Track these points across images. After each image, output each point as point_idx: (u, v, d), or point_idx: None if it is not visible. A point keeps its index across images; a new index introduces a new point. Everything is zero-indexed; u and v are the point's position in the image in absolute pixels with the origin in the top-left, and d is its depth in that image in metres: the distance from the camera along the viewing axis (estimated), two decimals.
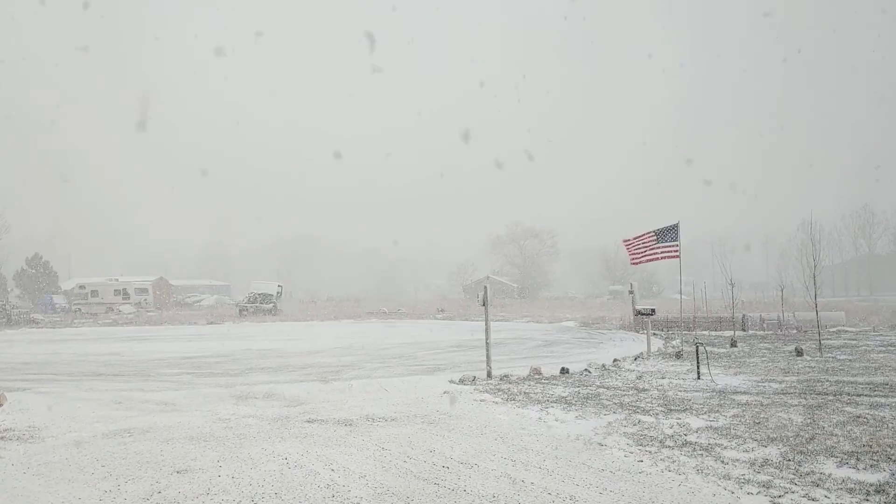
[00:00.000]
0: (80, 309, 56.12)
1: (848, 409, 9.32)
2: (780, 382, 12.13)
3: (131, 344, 25.39)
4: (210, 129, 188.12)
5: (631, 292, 21.94)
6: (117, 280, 63.65)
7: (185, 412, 9.89)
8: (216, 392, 11.81)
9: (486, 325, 13.98)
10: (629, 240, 21.01)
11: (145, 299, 60.64)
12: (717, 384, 12.05)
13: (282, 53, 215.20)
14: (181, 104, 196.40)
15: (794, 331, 25.14)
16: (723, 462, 6.73)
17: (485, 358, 13.55)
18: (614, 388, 11.91)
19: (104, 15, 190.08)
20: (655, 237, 19.70)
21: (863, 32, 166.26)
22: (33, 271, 66.29)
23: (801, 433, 7.86)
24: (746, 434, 7.92)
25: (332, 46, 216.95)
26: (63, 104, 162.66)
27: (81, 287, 61.39)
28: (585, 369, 14.28)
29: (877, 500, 5.58)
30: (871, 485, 5.91)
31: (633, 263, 21.44)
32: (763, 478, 6.17)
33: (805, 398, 10.28)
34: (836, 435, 7.75)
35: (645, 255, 20.21)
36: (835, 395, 10.44)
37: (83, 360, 18.85)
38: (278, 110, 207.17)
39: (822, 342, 18.12)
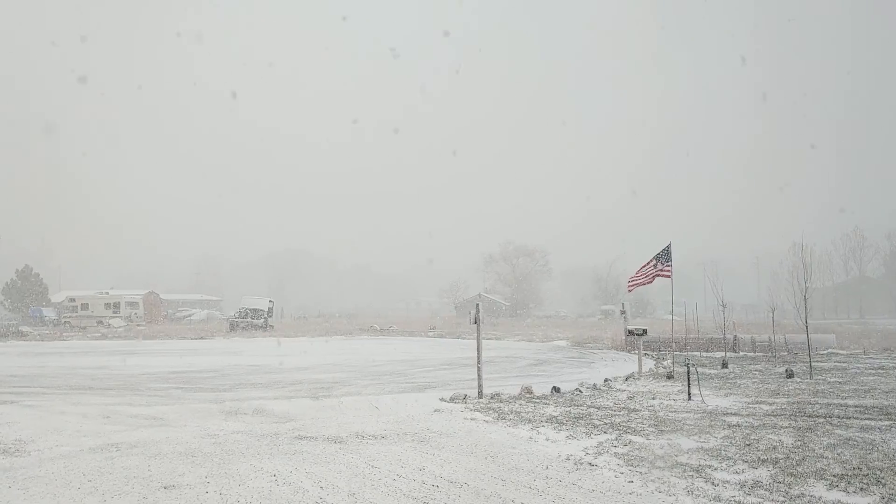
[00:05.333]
0: (69, 322, 55.64)
1: (838, 431, 9.33)
2: (771, 404, 12.14)
3: (120, 358, 25.18)
4: (202, 142, 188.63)
5: (623, 312, 22.01)
6: (107, 293, 63.22)
7: (173, 427, 9.81)
8: (205, 407, 11.72)
9: (477, 343, 13.95)
10: (632, 279, 21.02)
11: (135, 313, 60.20)
12: (708, 405, 12.05)
13: (276, 66, 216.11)
14: (173, 117, 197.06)
15: (785, 353, 25.20)
16: (713, 483, 6.72)
17: (476, 376, 13.50)
18: (605, 407, 11.89)
19: (95, 25, 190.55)
20: (651, 265, 19.76)
21: (852, 53, 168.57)
22: (23, 283, 65.82)
23: (792, 455, 7.86)
24: (737, 455, 7.91)
25: (325, 59, 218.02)
26: (53, 115, 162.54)
27: (71, 300, 60.94)
28: (577, 389, 14.26)
29: None
30: None
31: (630, 290, 21.52)
32: (753, 500, 6.16)
33: (795, 420, 10.29)
34: (826, 457, 7.75)
35: (638, 280, 20.26)
36: (825, 418, 10.46)
37: (71, 374, 18.68)
38: (270, 121, 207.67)
39: (813, 364, 18.16)
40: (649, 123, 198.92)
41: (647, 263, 19.98)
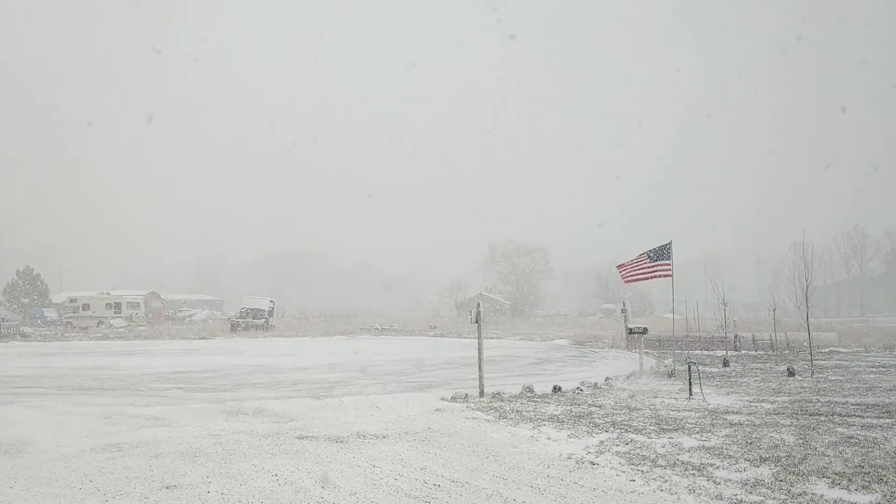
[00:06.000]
0: (70, 322, 55.66)
1: (840, 429, 9.33)
2: (773, 402, 12.13)
3: (122, 358, 25.21)
4: (203, 143, 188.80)
5: (623, 311, 21.99)
6: (109, 294, 63.20)
7: (174, 427, 9.81)
8: (206, 407, 11.72)
9: (478, 342, 13.95)
10: (623, 264, 20.96)
11: (136, 313, 60.19)
12: (710, 404, 12.04)
13: (277, 66, 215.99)
14: (175, 118, 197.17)
15: (787, 351, 25.19)
16: (715, 482, 6.72)
17: (477, 375, 13.50)
18: (606, 406, 11.89)
19: (92, 24, 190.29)
20: (648, 258, 19.69)
21: (855, 53, 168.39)
22: (24, 283, 65.86)
23: (793, 453, 7.86)
24: (738, 454, 7.91)
25: (323, 60, 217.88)
26: (54, 115, 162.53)
27: (73, 300, 60.89)
28: (578, 388, 14.26)
29: None
30: None
31: (626, 282, 21.43)
32: (755, 498, 6.15)
33: (797, 418, 10.28)
34: (827, 455, 7.75)
35: (637, 275, 20.18)
36: (827, 416, 10.45)
37: (73, 374, 18.69)
38: (272, 123, 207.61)
39: (814, 363, 18.16)
40: (650, 124, 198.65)
41: (640, 258, 19.89)
